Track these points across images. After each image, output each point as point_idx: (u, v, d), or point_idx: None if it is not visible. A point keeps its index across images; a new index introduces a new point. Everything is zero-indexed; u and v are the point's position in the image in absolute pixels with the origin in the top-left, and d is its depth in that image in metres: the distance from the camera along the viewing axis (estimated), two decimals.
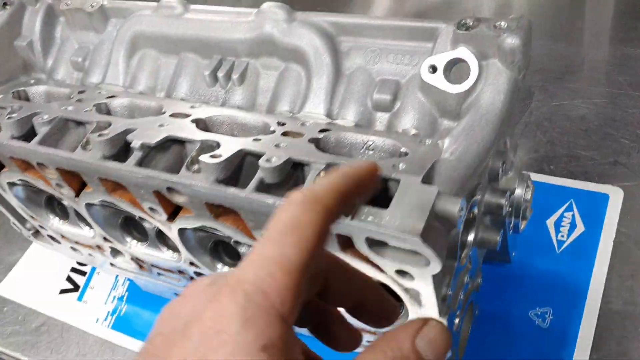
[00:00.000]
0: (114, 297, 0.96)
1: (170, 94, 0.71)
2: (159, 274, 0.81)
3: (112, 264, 0.86)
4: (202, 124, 0.64)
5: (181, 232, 0.66)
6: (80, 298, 0.98)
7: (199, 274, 0.76)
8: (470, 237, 0.58)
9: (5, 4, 0.76)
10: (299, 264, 0.29)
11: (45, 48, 0.79)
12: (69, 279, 0.98)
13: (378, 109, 0.61)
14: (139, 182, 0.59)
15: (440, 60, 0.56)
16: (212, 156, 0.55)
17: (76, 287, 0.99)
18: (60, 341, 0.91)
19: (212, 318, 0.28)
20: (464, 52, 0.55)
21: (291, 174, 0.57)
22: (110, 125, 0.63)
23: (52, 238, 0.87)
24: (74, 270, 1.00)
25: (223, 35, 0.68)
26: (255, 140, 0.58)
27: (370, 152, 0.58)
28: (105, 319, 0.93)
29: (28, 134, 0.65)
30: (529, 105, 0.63)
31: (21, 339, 0.94)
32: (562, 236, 0.83)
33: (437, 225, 0.47)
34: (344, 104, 0.62)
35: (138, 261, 0.80)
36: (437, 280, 0.51)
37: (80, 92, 0.73)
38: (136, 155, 0.59)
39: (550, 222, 0.85)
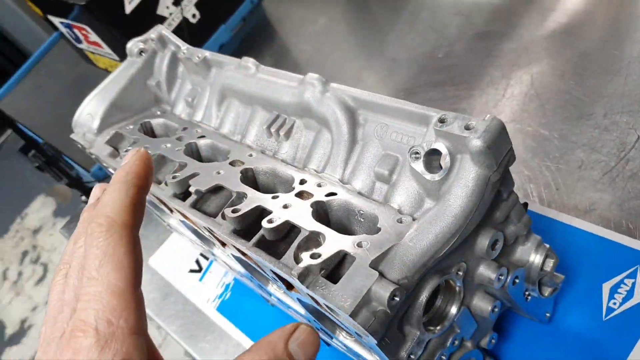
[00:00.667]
0: (223, 283, 1.17)
1: (243, 138, 0.86)
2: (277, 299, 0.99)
3: (212, 254, 1.07)
4: (250, 173, 0.78)
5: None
6: (201, 279, 1.21)
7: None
8: (453, 308, 0.64)
9: (141, 52, 0.97)
10: (125, 287, 0.36)
11: (169, 86, 1.00)
12: (197, 262, 1.22)
13: (379, 180, 0.68)
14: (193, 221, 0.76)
15: (423, 148, 0.61)
16: (233, 210, 0.69)
17: (200, 269, 1.22)
18: (180, 309, 1.16)
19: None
20: (439, 145, 0.60)
21: (289, 231, 0.68)
22: (185, 166, 0.81)
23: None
24: (202, 254, 1.23)
25: (278, 96, 0.80)
26: (274, 197, 0.70)
27: (362, 220, 0.66)
28: (214, 301, 1.15)
29: None
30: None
31: (153, 302, 1.21)
32: (615, 303, 0.80)
33: (376, 305, 0.55)
34: (355, 171, 0.70)
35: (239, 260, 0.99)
36: (391, 346, 0.60)
37: (184, 129, 0.92)
38: (192, 198, 0.76)
39: (606, 286, 0.82)
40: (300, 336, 0.43)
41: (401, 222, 0.62)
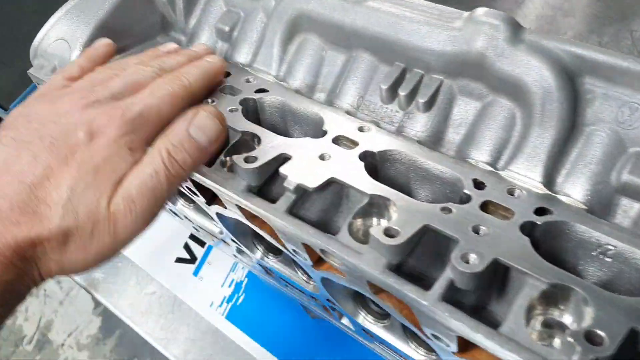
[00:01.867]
0: (232, 280, 0.88)
1: (331, 99, 0.56)
2: (286, 285, 0.71)
3: (235, 256, 0.77)
4: (370, 159, 0.49)
5: (325, 280, 0.54)
6: (196, 272, 0.91)
7: (333, 309, 0.65)
8: None
9: None
10: (167, 117, 0.48)
11: (188, 5, 0.66)
12: (187, 247, 0.91)
13: (626, 194, 0.43)
14: (287, 232, 0.47)
15: None
16: (386, 233, 0.41)
17: (193, 259, 0.91)
18: (170, 317, 0.86)
19: (105, 126, 0.45)
20: None
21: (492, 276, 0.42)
22: (259, 141, 0.50)
23: (173, 212, 0.78)
24: (192, 237, 0.92)
25: (414, 40, 0.51)
26: (444, 210, 0.43)
27: (608, 260, 0.42)
28: (220, 305, 0.85)
29: None
30: None
31: (132, 302, 0.90)
32: None
33: None
34: (573, 172, 0.45)
35: (266, 270, 0.70)
36: None
37: (226, 75, 0.60)
38: (288, 198, 0.47)
39: None
40: (200, 120, 0.47)
41: None
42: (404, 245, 0.41)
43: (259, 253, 0.67)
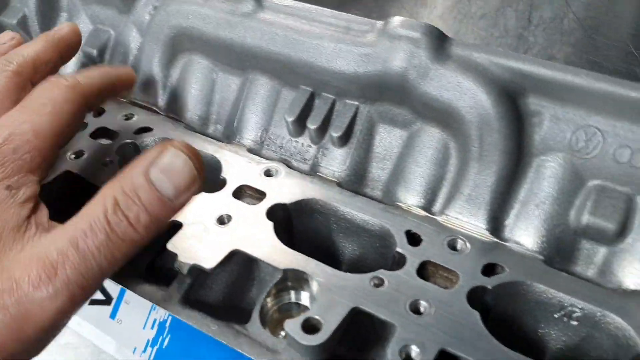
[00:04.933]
0: (155, 320, 0.77)
1: (230, 133, 0.46)
2: None
3: None
4: (282, 213, 0.40)
5: None
6: (113, 315, 0.79)
7: None
8: None
9: None
10: (50, 132, 0.35)
11: (44, 25, 0.54)
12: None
13: (589, 237, 0.36)
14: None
15: None
16: (306, 326, 0.33)
17: (108, 299, 0.80)
18: None
19: None
20: None
21: None
22: None
23: None
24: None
25: (318, 60, 0.41)
26: (374, 281, 0.35)
27: (574, 324, 0.34)
28: (145, 350, 0.75)
29: None
30: None
31: (44, 358, 0.78)
32: None
33: None
34: (523, 214, 0.37)
35: None
36: None
37: (100, 113, 0.49)
38: (182, 283, 0.37)
39: None
40: (165, 160, 0.32)
41: None
42: (328, 342, 0.32)
43: None
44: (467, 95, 0.36)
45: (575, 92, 0.35)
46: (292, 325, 0.33)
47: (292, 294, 0.39)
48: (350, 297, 0.34)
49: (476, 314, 0.33)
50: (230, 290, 0.41)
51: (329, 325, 0.33)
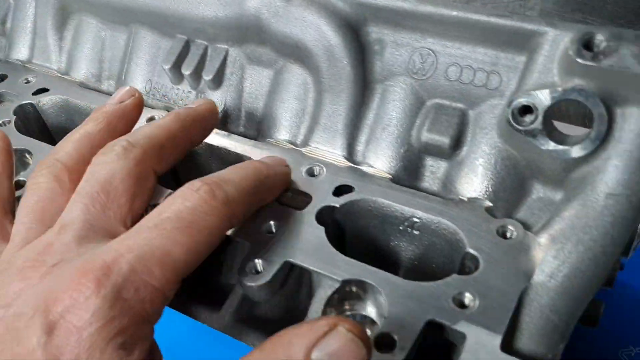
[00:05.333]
0: None
1: (120, 87, 0.48)
2: None
3: None
4: None
5: None
6: None
7: None
8: None
9: None
10: (182, 264, 0.27)
11: None
12: None
13: (431, 154, 0.38)
14: None
15: (541, 100, 0.32)
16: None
17: None
18: None
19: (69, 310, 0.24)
20: (582, 95, 0.31)
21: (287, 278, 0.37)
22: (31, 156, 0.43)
23: None
24: None
25: (185, 8, 0.43)
26: None
27: (416, 233, 0.37)
28: None
29: None
30: None
31: None
32: None
33: None
34: (373, 138, 0.39)
35: None
36: None
37: (1, 79, 0.51)
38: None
39: None
40: (332, 344, 0.25)
41: (508, 236, 0.34)
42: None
43: None
44: (312, 29, 0.38)
45: (407, 17, 0.37)
46: None
47: None
48: None
49: (321, 230, 0.35)
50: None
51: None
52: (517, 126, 0.33)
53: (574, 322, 0.32)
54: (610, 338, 0.57)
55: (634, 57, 0.29)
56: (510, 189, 0.35)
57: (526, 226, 0.35)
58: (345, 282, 0.33)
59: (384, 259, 0.39)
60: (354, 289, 0.34)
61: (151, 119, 0.44)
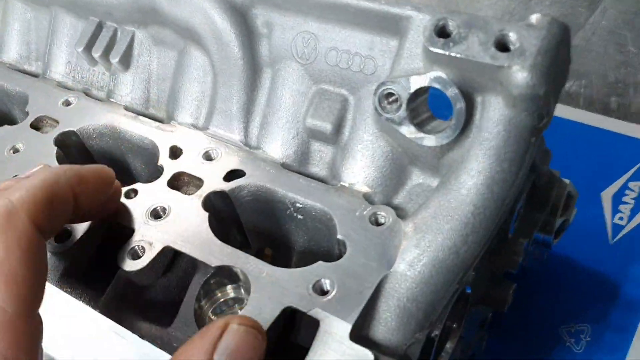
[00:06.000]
0: None
1: (46, 68, 0.49)
2: None
3: None
4: (74, 139, 0.44)
5: None
6: None
7: None
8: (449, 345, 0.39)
9: None
10: (14, 312, 0.25)
11: None
12: None
13: (315, 138, 0.38)
14: None
15: (403, 87, 0.31)
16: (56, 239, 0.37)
17: None
18: None
19: None
20: (440, 81, 0.30)
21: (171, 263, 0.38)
22: None
23: None
24: None
25: None
26: (128, 194, 0.38)
27: (300, 218, 0.37)
28: None
29: None
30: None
31: None
32: (621, 219, 0.60)
33: None
34: (266, 123, 0.39)
35: None
36: None
37: None
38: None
39: (606, 196, 0.62)
40: (231, 341, 0.26)
41: (379, 223, 0.34)
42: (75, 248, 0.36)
43: None
44: (199, 13, 0.38)
45: (295, 3, 0.36)
46: None
47: None
48: None
49: (205, 215, 0.36)
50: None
51: None
52: (382, 113, 0.32)
53: (435, 311, 0.32)
54: (551, 315, 0.57)
55: (480, 45, 0.28)
56: (389, 175, 0.35)
57: (402, 213, 0.35)
58: (218, 269, 0.34)
59: (281, 242, 0.39)
60: (226, 274, 0.34)
61: (66, 102, 0.45)
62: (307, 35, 0.37)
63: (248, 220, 0.39)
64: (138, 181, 0.44)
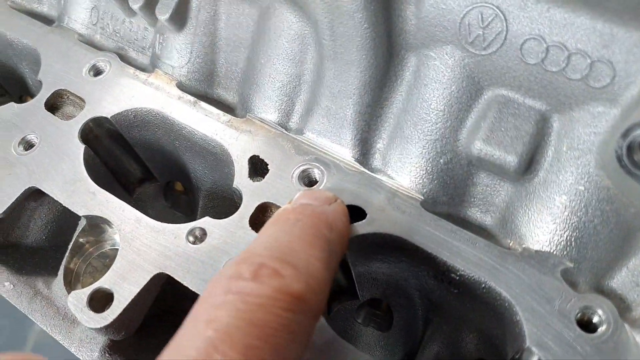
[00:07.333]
0: None
1: (63, 12, 0.35)
2: None
3: None
4: (107, 126, 0.31)
5: None
6: None
7: None
8: None
9: None
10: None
11: None
12: None
13: (483, 169, 0.25)
14: None
15: None
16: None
17: None
18: None
19: None
20: None
21: None
22: None
23: None
24: None
25: None
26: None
27: (454, 292, 0.25)
28: None
29: None
30: None
31: None
32: None
33: None
34: (398, 137, 0.26)
35: None
36: None
37: None
38: None
39: None
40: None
41: (592, 327, 0.22)
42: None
43: None
44: None
45: None
46: (76, 301, 0.25)
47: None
48: None
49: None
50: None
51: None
52: (632, 169, 0.19)
53: None
54: None
55: None
56: (606, 245, 0.23)
57: (623, 305, 0.22)
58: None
59: None
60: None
61: (96, 70, 0.32)
62: (489, 11, 0.22)
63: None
64: (198, 188, 0.32)
